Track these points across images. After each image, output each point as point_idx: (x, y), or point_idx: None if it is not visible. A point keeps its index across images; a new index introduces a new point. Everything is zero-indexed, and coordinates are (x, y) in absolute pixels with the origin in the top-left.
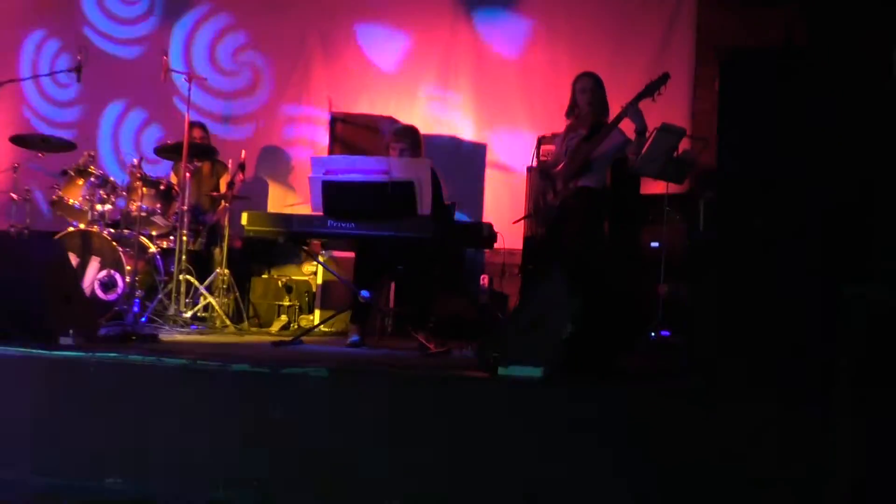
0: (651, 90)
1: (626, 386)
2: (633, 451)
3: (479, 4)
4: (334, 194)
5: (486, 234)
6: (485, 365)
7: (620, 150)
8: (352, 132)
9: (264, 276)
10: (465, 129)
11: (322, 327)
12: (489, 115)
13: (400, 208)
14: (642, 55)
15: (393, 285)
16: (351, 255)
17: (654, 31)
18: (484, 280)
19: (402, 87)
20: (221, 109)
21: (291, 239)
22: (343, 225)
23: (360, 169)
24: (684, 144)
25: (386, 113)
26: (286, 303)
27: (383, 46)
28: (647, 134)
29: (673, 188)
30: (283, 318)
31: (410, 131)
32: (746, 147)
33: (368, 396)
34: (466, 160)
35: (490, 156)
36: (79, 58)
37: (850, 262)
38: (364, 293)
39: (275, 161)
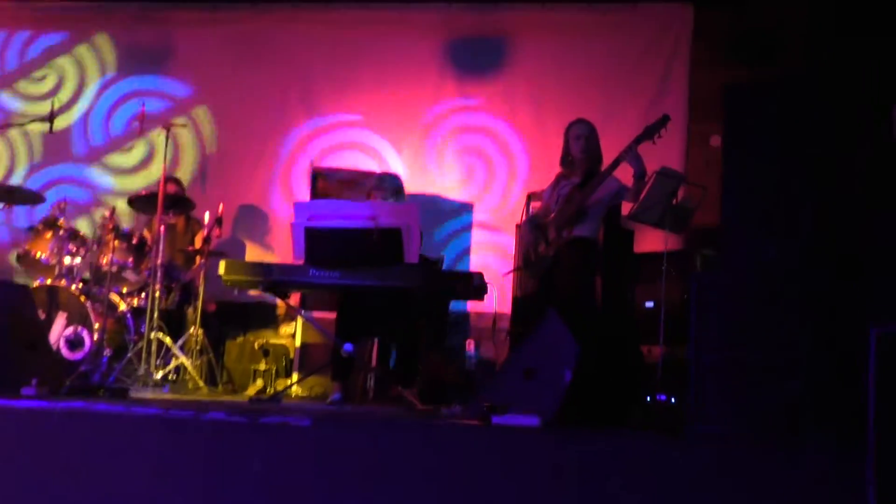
0: (650, 133)
1: (628, 435)
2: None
3: (464, 65)
4: (318, 241)
5: (477, 284)
6: (478, 413)
7: (616, 198)
8: (334, 187)
9: (239, 339)
10: (450, 187)
11: (299, 390)
12: (475, 175)
13: (386, 256)
14: (633, 112)
15: (377, 342)
16: (331, 315)
17: (645, 90)
18: (470, 345)
19: (385, 145)
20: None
21: (271, 289)
22: (326, 274)
23: (344, 214)
24: (681, 194)
25: (369, 169)
26: (262, 367)
27: (368, 105)
28: (646, 178)
29: (670, 244)
30: (259, 382)
31: (392, 179)
32: (751, 186)
33: (355, 447)
34: (452, 219)
35: (477, 215)
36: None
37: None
38: (347, 346)
39: (252, 219)
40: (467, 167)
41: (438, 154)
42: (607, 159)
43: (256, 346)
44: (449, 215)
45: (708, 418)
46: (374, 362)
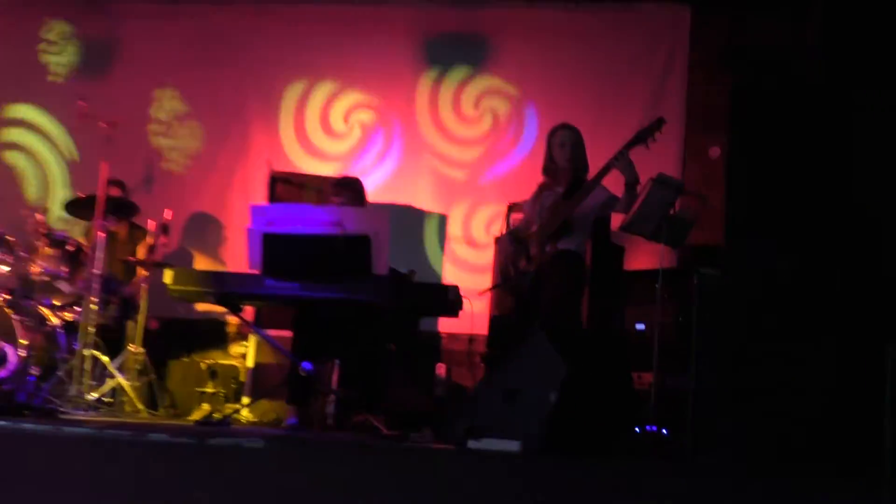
0: (643, 136)
1: (618, 465)
2: None
3: (442, 66)
4: (276, 249)
5: (452, 299)
6: (452, 437)
7: (604, 209)
8: (295, 193)
9: (184, 359)
10: (423, 198)
11: (250, 415)
12: (451, 185)
13: (352, 266)
14: (625, 119)
15: (339, 362)
16: (287, 334)
17: (638, 97)
18: (441, 370)
19: (353, 152)
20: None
21: (223, 301)
22: (285, 285)
23: (307, 219)
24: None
25: (333, 174)
26: (209, 389)
27: (334, 108)
28: (640, 188)
29: (665, 261)
30: (206, 406)
31: (352, 182)
32: (759, 195)
33: (315, 470)
34: (424, 231)
35: (452, 227)
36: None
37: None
38: (305, 365)
39: (204, 228)
40: (442, 174)
41: (412, 160)
42: (596, 168)
43: (203, 366)
44: (421, 227)
45: (710, 448)
46: (335, 385)
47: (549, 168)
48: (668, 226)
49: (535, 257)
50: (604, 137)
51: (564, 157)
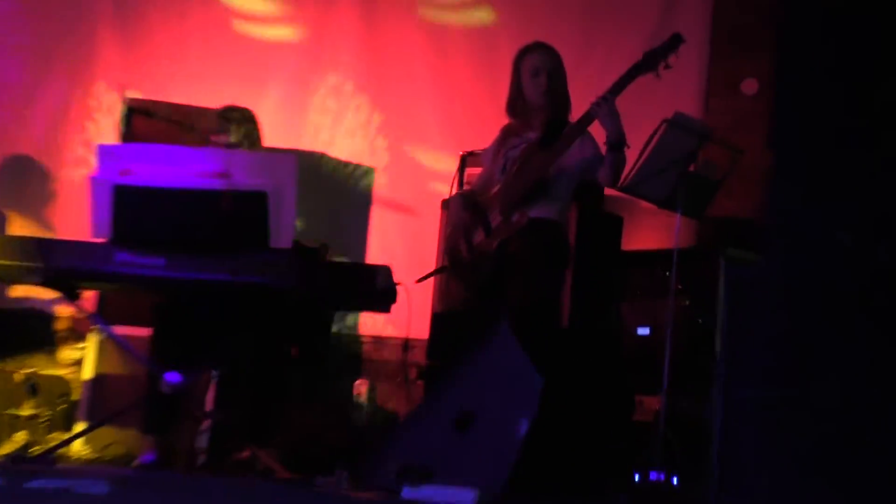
0: (652, 60)
1: None
2: None
3: None
4: (132, 208)
5: (382, 286)
6: (379, 483)
7: (593, 170)
8: (161, 130)
9: None
10: (344, 144)
11: (87, 449)
12: (384, 126)
13: (242, 236)
14: (627, 41)
15: (217, 374)
16: (145, 332)
17: (646, 10)
18: (362, 387)
19: (248, 80)
20: None
21: (51, 282)
22: (143, 261)
23: (177, 167)
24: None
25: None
26: (27, 412)
27: (219, 22)
28: (626, 146)
29: (679, 239)
30: (21, 435)
31: (244, 115)
32: (811, 150)
33: None
34: (342, 190)
35: (380, 186)
36: None
37: None
38: (170, 376)
39: (23, 179)
40: (372, 112)
41: (330, 89)
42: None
43: (17, 379)
44: (340, 184)
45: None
46: (210, 406)
47: (517, 105)
48: (687, 187)
49: (498, 229)
50: (597, 66)
51: (538, 90)
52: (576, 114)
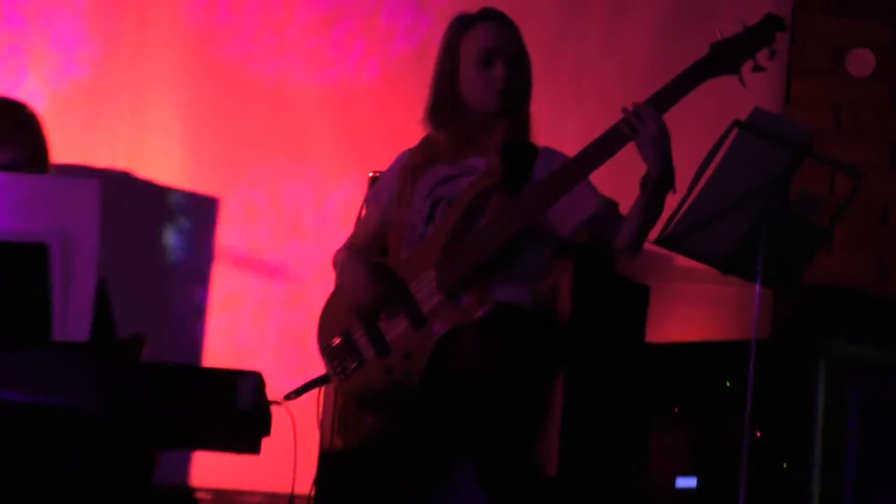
0: (728, 58)
1: None
2: None
3: None
4: None
5: (248, 407)
6: None
7: (598, 226)
8: None
9: None
10: (173, 162)
11: None
12: (238, 133)
13: (7, 321)
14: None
15: None
16: None
17: None
18: None
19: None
20: None
21: None
22: None
23: None
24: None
25: None
26: None
27: None
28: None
29: (730, 328)
30: None
31: (13, 113)
32: None
33: None
34: (163, 234)
35: (228, 227)
36: None
37: None
38: None
39: None
40: (219, 112)
41: (154, 71)
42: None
43: None
44: (156, 224)
45: None
46: None
47: (446, 110)
48: (771, 236)
49: (437, 316)
50: (581, 54)
51: (490, 87)
52: (546, 133)
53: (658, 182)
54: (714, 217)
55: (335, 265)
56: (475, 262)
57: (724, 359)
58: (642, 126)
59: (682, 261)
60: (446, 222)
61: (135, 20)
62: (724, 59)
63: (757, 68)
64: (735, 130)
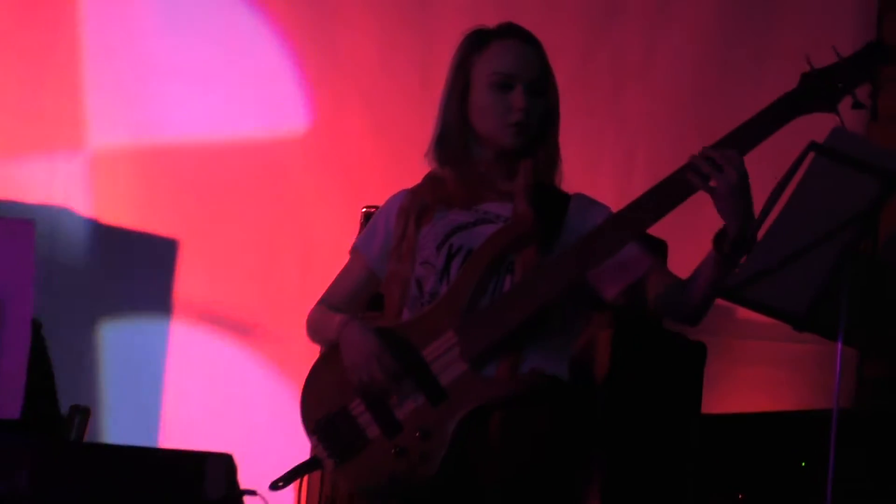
0: (823, 92)
1: None
2: None
3: None
4: None
5: (225, 498)
6: None
7: (641, 290)
8: None
9: None
10: (129, 196)
11: None
12: (204, 163)
13: None
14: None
15: None
16: None
17: None
18: None
19: None
20: None
21: None
22: None
23: None
24: None
25: None
26: None
27: None
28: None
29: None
30: None
31: None
32: None
33: None
34: (109, 288)
35: (189, 278)
36: None
37: None
38: None
39: None
40: (186, 140)
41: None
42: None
43: None
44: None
45: None
46: None
47: (452, 138)
48: (857, 287)
49: (462, 390)
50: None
51: (509, 118)
52: (575, 173)
53: (739, 242)
54: (785, 261)
55: (311, 328)
56: (506, 329)
57: (799, 433)
58: (720, 174)
59: (746, 313)
60: (467, 279)
61: None
62: (819, 93)
63: (857, 105)
64: (811, 154)
